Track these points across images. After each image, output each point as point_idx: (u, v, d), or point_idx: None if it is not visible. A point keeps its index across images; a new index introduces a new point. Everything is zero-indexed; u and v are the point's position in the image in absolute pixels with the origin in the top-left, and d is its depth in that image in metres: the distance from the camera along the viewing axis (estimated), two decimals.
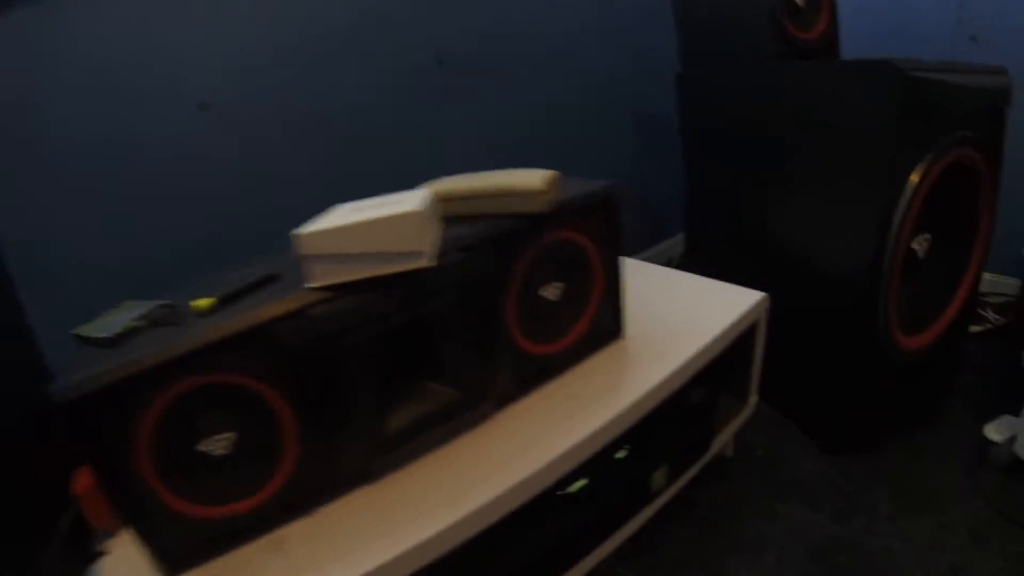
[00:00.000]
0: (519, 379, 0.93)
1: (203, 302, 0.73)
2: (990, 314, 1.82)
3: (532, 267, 0.90)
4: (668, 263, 2.12)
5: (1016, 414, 1.24)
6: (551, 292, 0.95)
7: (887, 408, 1.36)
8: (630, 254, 1.63)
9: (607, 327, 1.06)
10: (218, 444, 0.69)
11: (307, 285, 0.73)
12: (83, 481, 0.79)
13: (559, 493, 0.90)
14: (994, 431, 1.28)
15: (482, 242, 0.83)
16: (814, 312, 1.33)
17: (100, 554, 0.79)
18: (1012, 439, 1.23)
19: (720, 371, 1.12)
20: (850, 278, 1.20)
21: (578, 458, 0.84)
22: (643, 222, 2.20)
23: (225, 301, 0.74)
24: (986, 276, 1.66)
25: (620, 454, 0.97)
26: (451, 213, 0.88)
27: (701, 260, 1.72)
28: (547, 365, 0.97)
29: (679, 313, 1.15)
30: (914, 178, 1.11)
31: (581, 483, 0.93)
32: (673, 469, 1.07)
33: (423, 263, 0.73)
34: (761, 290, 1.20)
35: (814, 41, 1.44)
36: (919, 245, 1.24)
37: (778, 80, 1.35)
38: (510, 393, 0.93)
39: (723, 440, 1.22)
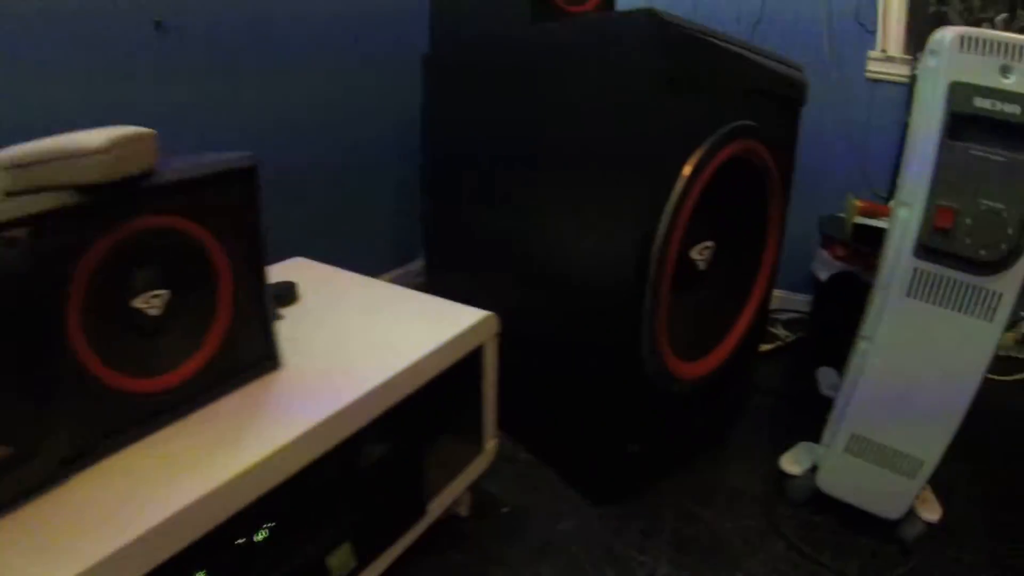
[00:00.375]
0: (102, 426, 0.66)
1: None
2: (780, 331, 1.74)
3: (111, 265, 0.62)
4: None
5: (816, 439, 1.12)
6: (151, 304, 0.67)
7: (665, 445, 1.18)
8: (376, 274, 1.35)
9: (252, 355, 0.78)
10: None
11: None
12: None
13: None
14: (791, 462, 1.16)
15: (8, 224, 0.55)
16: (572, 337, 1.11)
17: None
18: (812, 470, 1.11)
19: (432, 411, 0.86)
20: (610, 294, 0.98)
21: (178, 540, 0.59)
22: (392, 237, 1.92)
23: None
24: (776, 293, 1.56)
25: (259, 535, 0.69)
26: (18, 187, 0.61)
27: (443, 277, 1.46)
28: (150, 407, 0.69)
29: (375, 338, 0.89)
30: (687, 170, 0.90)
31: None
32: (363, 547, 0.80)
33: None
34: (510, 310, 0.95)
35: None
36: (699, 255, 1.05)
37: (524, 48, 1.11)
38: (87, 446, 0.65)
39: (451, 497, 0.96)
